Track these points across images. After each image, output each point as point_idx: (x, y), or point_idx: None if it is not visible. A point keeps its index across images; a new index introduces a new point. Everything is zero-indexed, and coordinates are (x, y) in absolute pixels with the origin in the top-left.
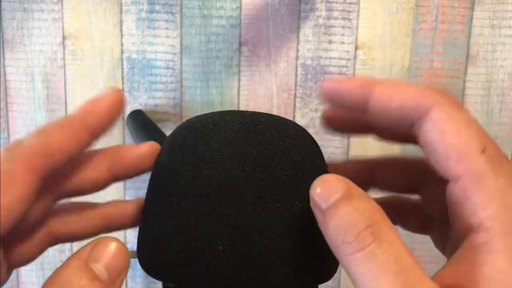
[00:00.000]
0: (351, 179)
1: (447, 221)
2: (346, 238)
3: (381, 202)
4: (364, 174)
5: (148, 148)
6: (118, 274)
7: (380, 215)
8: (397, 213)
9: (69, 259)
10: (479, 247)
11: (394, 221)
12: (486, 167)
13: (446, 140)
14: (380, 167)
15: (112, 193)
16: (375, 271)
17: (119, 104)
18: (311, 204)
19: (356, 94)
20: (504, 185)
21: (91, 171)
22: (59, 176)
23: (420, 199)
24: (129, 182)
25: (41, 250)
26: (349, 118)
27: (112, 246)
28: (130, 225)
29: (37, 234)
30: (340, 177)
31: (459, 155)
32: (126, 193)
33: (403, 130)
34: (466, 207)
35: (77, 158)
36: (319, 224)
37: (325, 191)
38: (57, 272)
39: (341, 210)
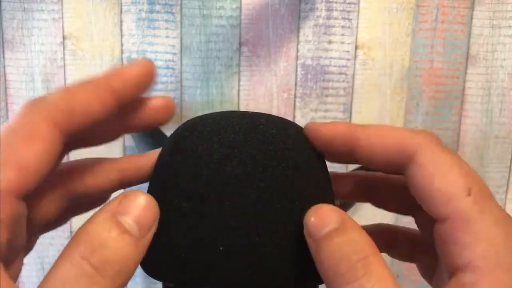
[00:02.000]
0: (349, 193)
1: (435, 252)
2: (339, 269)
3: (369, 230)
4: (362, 189)
5: (164, 101)
6: (148, 228)
7: (372, 248)
8: (385, 241)
9: (96, 213)
10: (466, 287)
11: (381, 249)
12: (472, 208)
13: (432, 184)
14: (378, 184)
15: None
16: None
17: (148, 72)
18: (305, 233)
19: (341, 143)
20: (490, 225)
21: (101, 178)
22: (69, 179)
23: (407, 228)
24: None
25: (62, 213)
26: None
27: (141, 199)
28: (146, 179)
29: (53, 194)
30: (334, 208)
31: (445, 198)
32: None
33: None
34: (454, 247)
35: (86, 162)
36: (312, 252)
37: (319, 221)
38: (85, 225)
39: (335, 241)
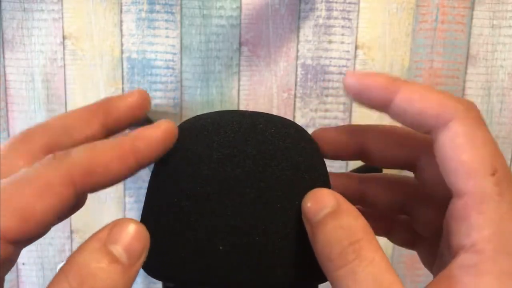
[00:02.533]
0: (340, 147)
1: (436, 241)
2: (331, 254)
3: (370, 214)
4: (355, 189)
5: (139, 96)
6: (138, 256)
7: (365, 232)
8: (385, 226)
9: (87, 241)
10: (468, 268)
11: (380, 234)
12: (492, 189)
13: (459, 156)
14: (372, 184)
15: (112, 192)
16: None
17: (171, 136)
18: (303, 218)
19: (381, 93)
20: (505, 212)
21: (86, 128)
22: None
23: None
24: (129, 182)
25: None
26: (338, 147)
27: (131, 228)
28: (137, 117)
29: None
30: (331, 192)
31: (469, 173)
32: (126, 193)
33: (400, 157)
34: (463, 225)
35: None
36: (309, 238)
37: (315, 205)
38: (74, 254)
39: (328, 226)
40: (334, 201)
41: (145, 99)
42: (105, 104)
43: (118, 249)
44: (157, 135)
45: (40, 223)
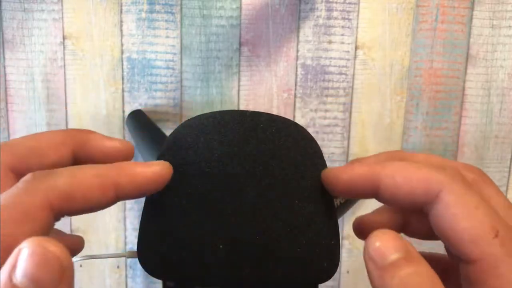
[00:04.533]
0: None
1: None
2: None
3: (426, 257)
4: (398, 220)
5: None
6: (51, 281)
7: (439, 281)
8: (439, 271)
9: None
10: None
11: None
12: (500, 251)
13: (458, 225)
14: (412, 214)
15: None
16: None
17: (162, 180)
18: (365, 257)
19: (364, 188)
20: None
21: (98, 193)
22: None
23: (436, 253)
24: None
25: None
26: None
27: (25, 252)
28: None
29: None
30: (398, 236)
31: (473, 240)
32: None
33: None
34: None
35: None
36: (370, 277)
37: (384, 247)
38: None
39: (403, 271)
40: (404, 246)
41: (165, 173)
42: (120, 175)
43: (23, 281)
44: (145, 176)
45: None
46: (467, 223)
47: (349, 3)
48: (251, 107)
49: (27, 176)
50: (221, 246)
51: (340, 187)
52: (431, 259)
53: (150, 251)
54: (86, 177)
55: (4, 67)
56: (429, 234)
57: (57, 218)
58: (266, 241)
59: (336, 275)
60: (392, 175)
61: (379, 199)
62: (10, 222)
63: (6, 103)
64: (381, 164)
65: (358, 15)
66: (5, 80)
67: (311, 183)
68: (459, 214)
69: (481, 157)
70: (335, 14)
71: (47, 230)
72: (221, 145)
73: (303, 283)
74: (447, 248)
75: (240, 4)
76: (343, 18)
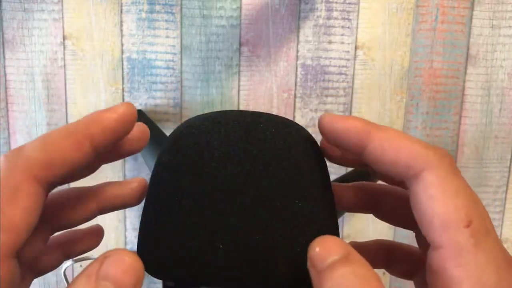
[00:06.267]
0: (352, 204)
1: None
2: None
3: (369, 245)
4: (364, 200)
5: (138, 185)
6: None
7: (377, 282)
8: (384, 257)
9: (77, 277)
10: None
11: (380, 265)
12: (468, 241)
13: (433, 207)
14: (381, 197)
15: None
16: None
17: (129, 118)
18: (308, 264)
19: (355, 138)
20: (483, 262)
21: (81, 210)
22: (52, 214)
23: (406, 245)
24: None
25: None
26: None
27: (123, 262)
28: (127, 206)
29: (37, 234)
30: (340, 240)
31: (443, 225)
32: None
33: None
34: (443, 278)
35: (67, 196)
36: (313, 284)
37: (323, 251)
38: None
39: (339, 271)
40: (343, 249)
41: (131, 113)
42: (88, 126)
43: (108, 285)
44: (113, 118)
45: (23, 229)
46: (441, 207)
47: (349, 3)
48: (251, 107)
49: (2, 157)
50: (221, 246)
51: (331, 133)
52: (376, 246)
53: (150, 251)
54: (57, 138)
55: (4, 67)
56: (399, 219)
57: (47, 189)
58: (266, 240)
59: None
60: (383, 138)
61: (363, 156)
62: (5, 204)
63: (7, 103)
64: (377, 126)
65: (358, 15)
66: (5, 80)
67: (311, 183)
68: (436, 196)
69: (481, 157)
70: (335, 14)
71: (41, 203)
72: (221, 145)
73: (303, 283)
74: (417, 235)
75: (240, 4)
76: (343, 18)
